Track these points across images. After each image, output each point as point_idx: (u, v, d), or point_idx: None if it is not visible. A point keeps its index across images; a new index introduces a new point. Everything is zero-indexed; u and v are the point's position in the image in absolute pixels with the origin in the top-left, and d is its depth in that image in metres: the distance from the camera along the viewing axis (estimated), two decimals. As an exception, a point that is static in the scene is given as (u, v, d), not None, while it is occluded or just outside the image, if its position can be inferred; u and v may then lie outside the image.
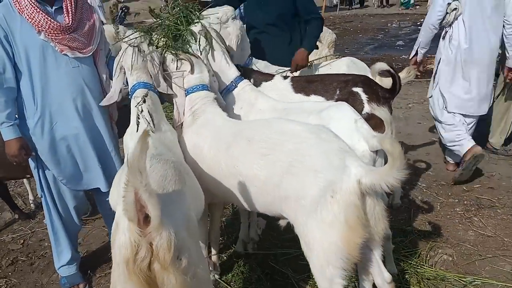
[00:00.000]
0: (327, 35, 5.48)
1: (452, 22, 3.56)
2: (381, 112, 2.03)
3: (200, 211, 1.92)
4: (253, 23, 3.36)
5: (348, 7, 19.58)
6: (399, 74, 3.29)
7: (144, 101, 2.15)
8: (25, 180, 3.84)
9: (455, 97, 3.70)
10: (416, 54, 3.87)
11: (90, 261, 2.87)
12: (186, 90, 2.37)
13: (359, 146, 2.09)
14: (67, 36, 2.27)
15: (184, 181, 1.67)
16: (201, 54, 2.50)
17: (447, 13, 3.52)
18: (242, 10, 5.50)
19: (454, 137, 3.70)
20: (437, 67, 3.80)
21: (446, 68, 3.70)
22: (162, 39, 2.51)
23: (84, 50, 2.35)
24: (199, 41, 2.53)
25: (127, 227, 1.36)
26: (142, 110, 2.12)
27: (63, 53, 2.28)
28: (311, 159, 1.78)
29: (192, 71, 2.35)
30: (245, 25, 3.17)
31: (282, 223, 2.18)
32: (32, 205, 3.78)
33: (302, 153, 1.80)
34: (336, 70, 3.10)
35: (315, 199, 1.71)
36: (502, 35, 3.56)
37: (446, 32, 3.69)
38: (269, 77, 2.76)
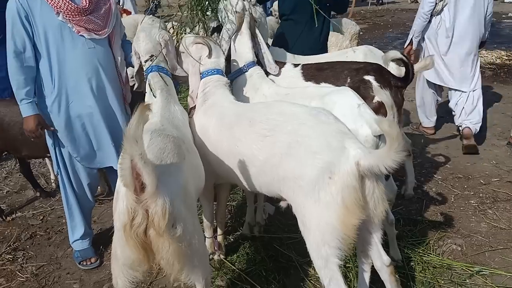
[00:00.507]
0: (351, 27, 5.39)
1: (440, 11, 4.13)
2: (383, 95, 2.00)
3: (199, 188, 1.98)
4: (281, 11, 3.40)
5: (376, 2, 19.03)
6: (417, 64, 3.24)
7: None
8: (47, 161, 4.05)
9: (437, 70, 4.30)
10: (411, 43, 4.34)
11: (103, 237, 2.99)
12: (201, 74, 2.43)
13: (362, 131, 2.09)
14: (84, 18, 2.36)
15: (183, 156, 1.72)
16: (229, 31, 2.55)
17: (436, 3, 4.08)
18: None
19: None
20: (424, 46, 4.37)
21: (431, 45, 4.28)
22: (190, 15, 2.59)
23: (100, 32, 2.44)
24: (227, 18, 2.57)
25: (124, 194, 1.43)
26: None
27: (79, 34, 2.37)
28: (310, 141, 1.79)
29: (210, 55, 2.42)
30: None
31: (283, 204, 2.19)
32: (53, 184, 3.97)
33: (301, 134, 1.82)
34: (352, 59, 3.04)
35: (313, 180, 1.73)
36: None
37: (434, 19, 4.22)
38: (281, 64, 2.77)
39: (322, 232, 1.73)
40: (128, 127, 1.29)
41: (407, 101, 5.02)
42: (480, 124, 4.30)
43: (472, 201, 3.26)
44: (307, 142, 1.79)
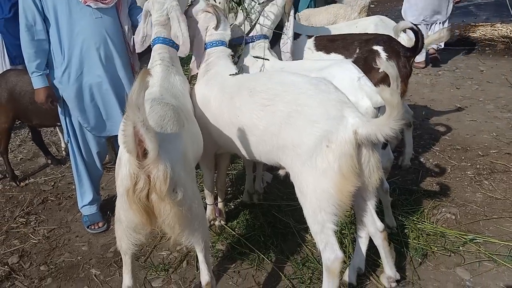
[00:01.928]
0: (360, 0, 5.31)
1: None
2: (388, 67, 2.01)
3: (198, 155, 2.03)
4: None
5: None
6: (431, 36, 3.24)
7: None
8: (58, 130, 4.15)
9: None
10: None
11: (110, 203, 3.09)
12: (206, 44, 2.45)
13: (362, 103, 2.12)
14: None
15: (182, 123, 1.77)
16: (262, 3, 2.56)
17: None
18: None
19: None
20: None
21: None
22: None
23: (107, 1, 2.45)
24: None
25: (127, 160, 1.49)
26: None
27: (86, 4, 2.39)
28: (309, 109, 1.82)
29: (217, 27, 2.42)
30: None
31: (282, 172, 2.27)
32: (63, 152, 4.09)
33: (300, 103, 1.85)
34: (363, 29, 3.05)
35: (311, 148, 1.78)
36: None
37: None
38: (296, 35, 2.81)
39: (318, 199, 1.80)
40: (130, 95, 1.32)
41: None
42: None
43: (469, 172, 3.32)
44: (306, 111, 1.82)
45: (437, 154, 3.66)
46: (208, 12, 2.42)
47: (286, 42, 2.68)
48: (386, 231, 2.11)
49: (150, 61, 2.32)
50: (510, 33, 8.00)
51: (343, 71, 2.18)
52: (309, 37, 2.79)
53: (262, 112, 1.97)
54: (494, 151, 3.64)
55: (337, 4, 5.19)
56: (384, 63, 2.08)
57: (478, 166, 3.41)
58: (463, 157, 3.57)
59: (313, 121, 1.80)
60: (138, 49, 2.54)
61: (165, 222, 1.57)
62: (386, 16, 3.38)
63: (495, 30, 7.84)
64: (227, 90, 2.19)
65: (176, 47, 2.35)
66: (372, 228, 2.07)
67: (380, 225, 2.05)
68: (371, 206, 2.03)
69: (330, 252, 1.83)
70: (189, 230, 1.68)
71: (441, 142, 3.88)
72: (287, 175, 2.03)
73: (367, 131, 1.71)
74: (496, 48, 7.08)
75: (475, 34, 7.76)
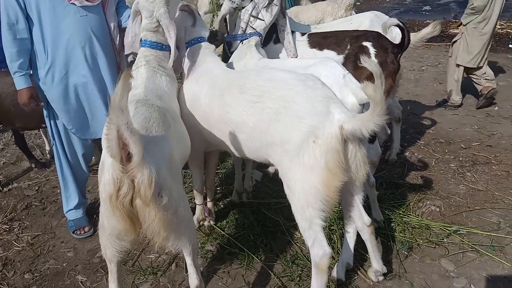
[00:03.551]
0: None
1: None
2: (371, 65, 2.04)
3: (185, 156, 2.00)
4: None
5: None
6: (424, 29, 3.30)
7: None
8: (42, 132, 4.05)
9: None
10: None
11: (97, 207, 3.06)
12: (187, 43, 2.43)
13: (348, 100, 2.13)
14: None
15: (168, 125, 1.73)
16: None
17: None
18: None
19: None
20: None
21: None
22: None
23: None
24: None
25: (110, 164, 1.44)
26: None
27: (70, 2, 2.31)
28: (296, 105, 1.83)
29: (194, 25, 2.41)
30: None
31: (271, 170, 2.27)
32: (48, 155, 4.00)
33: (288, 100, 1.86)
34: (358, 25, 3.10)
35: (299, 144, 1.79)
36: None
37: None
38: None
39: (306, 194, 1.81)
40: (113, 97, 1.27)
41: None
42: None
43: (452, 165, 3.40)
44: (293, 107, 1.83)
45: (422, 147, 3.73)
46: (184, 10, 2.41)
47: (287, 37, 2.71)
48: (373, 226, 2.13)
49: (135, 62, 2.28)
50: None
51: (328, 69, 2.19)
52: (302, 34, 2.84)
53: (251, 109, 1.97)
54: (476, 144, 3.72)
55: (325, 1, 5.25)
56: (368, 61, 2.10)
57: (461, 158, 3.49)
58: (446, 150, 3.65)
59: (300, 117, 1.81)
60: (127, 51, 2.46)
61: (150, 228, 1.52)
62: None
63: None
64: (217, 87, 2.17)
65: (166, 49, 2.28)
66: (359, 222, 2.09)
67: (367, 219, 2.07)
68: (358, 200, 2.05)
69: (318, 248, 1.84)
70: (175, 234, 1.64)
71: (426, 136, 3.96)
72: (276, 173, 2.04)
73: (352, 127, 1.72)
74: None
75: (456, 30, 7.94)
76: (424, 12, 10.46)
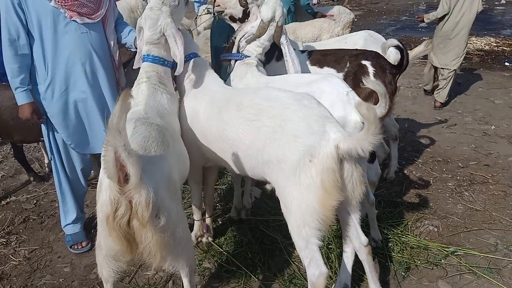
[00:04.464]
0: (345, 15, 5.48)
1: None
2: (375, 85, 2.05)
3: (184, 175, 2.00)
4: None
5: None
6: (417, 47, 3.34)
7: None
8: (41, 146, 4.06)
9: None
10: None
11: (95, 221, 3.05)
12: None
13: (351, 117, 2.14)
14: (76, 2, 2.33)
15: (167, 144, 1.73)
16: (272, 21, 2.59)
17: None
18: None
19: None
20: None
21: None
22: None
23: (93, 16, 2.42)
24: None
25: (108, 185, 1.43)
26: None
27: (72, 19, 2.35)
28: (292, 125, 1.84)
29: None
30: None
31: (269, 187, 2.28)
32: (47, 168, 4.01)
33: (284, 119, 1.87)
34: (353, 44, 3.15)
35: (295, 163, 1.80)
36: None
37: None
38: None
39: (302, 214, 1.81)
40: (111, 118, 1.28)
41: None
42: None
43: (450, 184, 3.40)
44: (289, 126, 1.84)
45: (420, 166, 3.74)
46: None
47: (289, 54, 2.69)
48: (371, 246, 2.13)
49: (137, 78, 2.31)
50: (485, 47, 8.32)
51: (332, 85, 2.21)
52: (302, 52, 2.89)
53: (248, 127, 1.99)
54: (473, 163, 3.74)
55: (322, 18, 5.35)
56: (371, 81, 2.13)
57: (458, 177, 3.50)
58: (444, 169, 3.66)
59: (296, 136, 1.82)
60: (136, 66, 2.41)
61: (146, 249, 1.50)
62: (368, 30, 3.47)
63: (470, 43, 8.13)
64: (215, 104, 2.20)
65: (168, 64, 2.29)
66: (356, 242, 2.08)
67: (364, 239, 2.06)
68: (355, 220, 2.05)
69: (315, 268, 1.83)
70: (172, 256, 1.63)
71: (424, 154, 3.97)
72: (273, 190, 2.04)
73: (348, 146, 1.73)
74: (472, 61, 7.34)
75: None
76: (420, 29, 10.60)
